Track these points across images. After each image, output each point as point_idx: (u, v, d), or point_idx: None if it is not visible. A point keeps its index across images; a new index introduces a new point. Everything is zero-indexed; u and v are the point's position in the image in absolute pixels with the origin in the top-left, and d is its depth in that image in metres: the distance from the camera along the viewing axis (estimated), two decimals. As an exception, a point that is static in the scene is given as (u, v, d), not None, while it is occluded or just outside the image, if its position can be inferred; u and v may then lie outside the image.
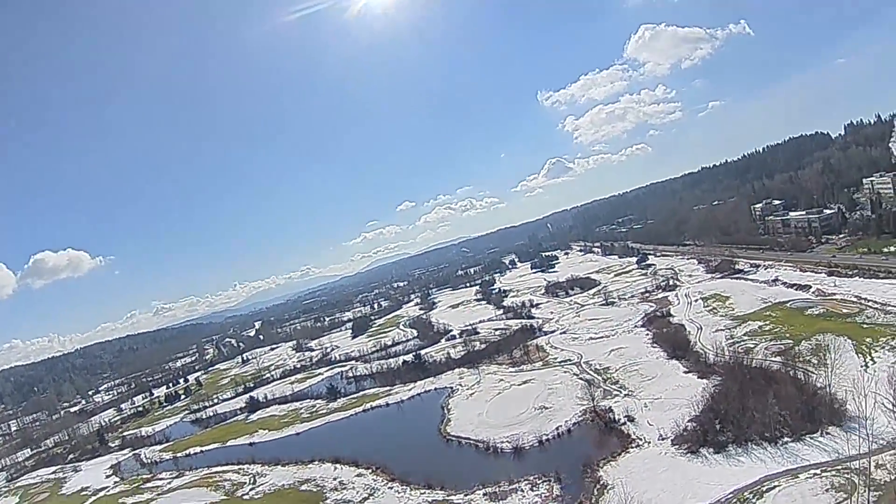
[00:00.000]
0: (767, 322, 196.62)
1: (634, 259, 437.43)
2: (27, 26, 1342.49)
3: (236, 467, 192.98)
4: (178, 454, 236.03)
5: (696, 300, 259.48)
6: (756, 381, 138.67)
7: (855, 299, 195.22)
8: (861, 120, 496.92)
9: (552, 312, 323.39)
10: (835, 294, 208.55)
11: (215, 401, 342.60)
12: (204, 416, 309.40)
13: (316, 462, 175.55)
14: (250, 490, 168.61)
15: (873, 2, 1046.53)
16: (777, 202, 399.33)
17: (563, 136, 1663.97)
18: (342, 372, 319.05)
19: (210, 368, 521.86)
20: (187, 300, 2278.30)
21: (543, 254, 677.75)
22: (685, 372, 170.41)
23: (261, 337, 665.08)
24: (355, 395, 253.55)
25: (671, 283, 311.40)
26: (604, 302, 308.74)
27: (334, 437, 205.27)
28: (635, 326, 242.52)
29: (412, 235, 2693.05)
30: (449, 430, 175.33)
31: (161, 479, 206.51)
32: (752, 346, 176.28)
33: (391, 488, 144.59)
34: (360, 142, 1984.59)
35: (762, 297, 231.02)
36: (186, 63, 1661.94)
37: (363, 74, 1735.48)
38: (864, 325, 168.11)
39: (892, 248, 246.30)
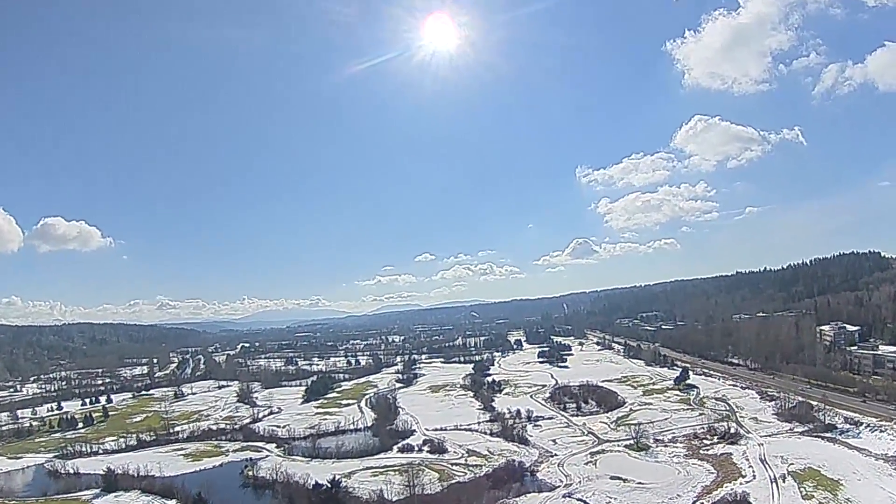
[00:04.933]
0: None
1: (668, 372, 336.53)
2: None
3: None
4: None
5: (782, 477, 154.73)
6: None
7: None
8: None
9: (556, 442, 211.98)
10: None
11: (96, 448, 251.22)
12: (62, 471, 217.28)
13: None
14: None
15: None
16: (851, 328, 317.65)
17: (594, 218, 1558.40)
18: (249, 460, 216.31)
19: (141, 393, 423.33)
20: (193, 302, 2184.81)
21: (555, 339, 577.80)
22: None
23: (222, 366, 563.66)
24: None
25: (730, 427, 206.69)
26: (633, 442, 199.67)
27: None
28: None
29: (427, 288, 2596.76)
30: None
31: None
32: None
33: None
34: (392, 185, 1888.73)
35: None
36: (244, 93, 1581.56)
37: (406, 123, 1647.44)
38: None
39: None
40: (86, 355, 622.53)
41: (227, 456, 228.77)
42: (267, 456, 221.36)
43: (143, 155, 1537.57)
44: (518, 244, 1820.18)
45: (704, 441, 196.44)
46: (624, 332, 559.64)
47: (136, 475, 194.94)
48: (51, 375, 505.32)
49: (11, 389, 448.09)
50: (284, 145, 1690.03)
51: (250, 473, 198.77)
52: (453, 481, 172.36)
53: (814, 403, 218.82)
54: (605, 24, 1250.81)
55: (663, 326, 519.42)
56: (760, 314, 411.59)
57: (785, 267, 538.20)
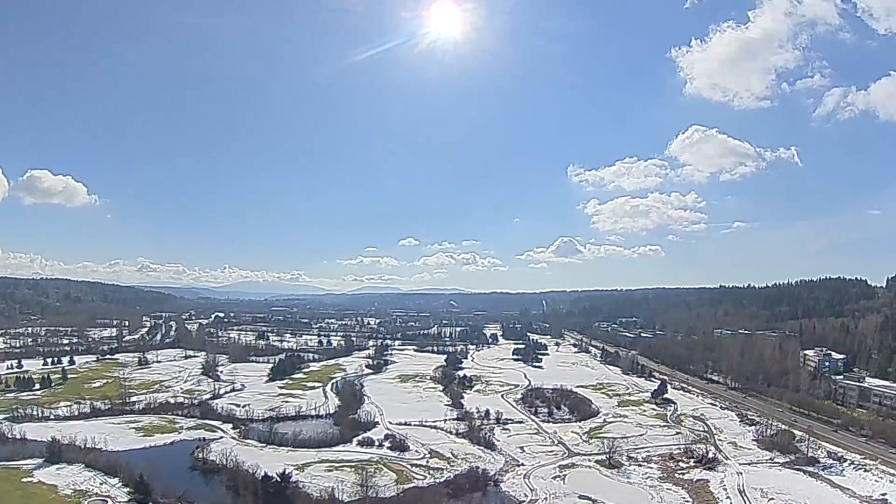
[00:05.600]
0: None
1: (645, 383, 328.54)
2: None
3: None
4: None
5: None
6: None
7: None
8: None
9: (524, 450, 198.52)
10: None
11: (48, 413, 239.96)
12: (9, 435, 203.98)
13: None
14: None
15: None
16: (837, 356, 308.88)
17: (582, 218, 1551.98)
18: (202, 440, 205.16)
19: (106, 357, 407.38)
20: (174, 266, 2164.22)
21: (532, 336, 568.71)
22: None
23: (193, 335, 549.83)
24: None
25: (708, 451, 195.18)
26: (605, 458, 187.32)
27: None
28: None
29: (408, 273, 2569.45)
30: None
31: None
32: None
33: None
34: (382, 167, 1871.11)
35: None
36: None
37: (403, 108, 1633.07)
38: None
39: None
40: (58, 312, 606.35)
41: (179, 433, 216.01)
42: (221, 437, 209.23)
43: (139, 117, 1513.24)
44: (503, 237, 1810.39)
45: (680, 463, 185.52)
46: (602, 335, 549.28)
47: (82, 447, 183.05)
48: (19, 331, 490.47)
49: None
50: (280, 121, 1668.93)
51: (200, 455, 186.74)
52: (411, 485, 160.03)
53: (796, 433, 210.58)
54: (612, 22, 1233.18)
55: (643, 334, 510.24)
56: (743, 331, 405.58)
57: (770, 285, 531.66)
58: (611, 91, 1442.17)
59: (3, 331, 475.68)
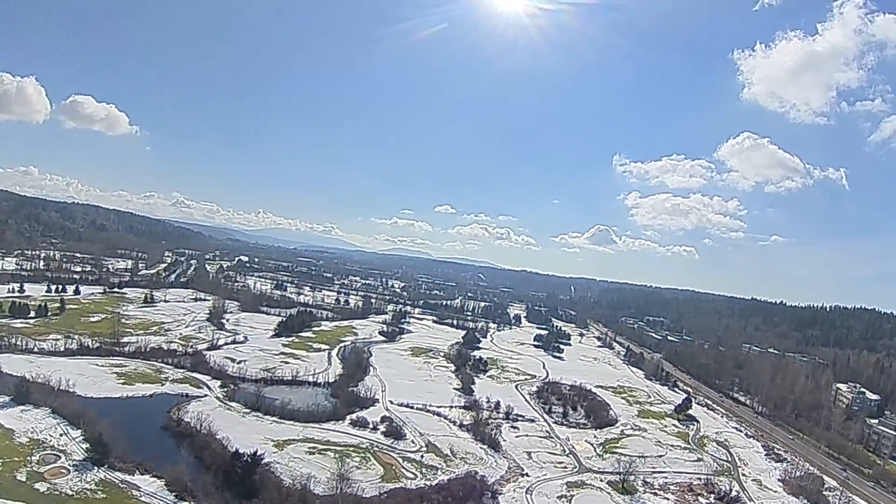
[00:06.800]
0: None
1: (669, 393, 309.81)
2: None
3: None
4: None
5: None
6: None
7: None
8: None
9: (531, 456, 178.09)
10: None
11: (32, 346, 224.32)
12: None
13: None
14: None
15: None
16: (871, 396, 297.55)
17: (621, 209, 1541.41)
18: (184, 396, 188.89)
19: (114, 290, 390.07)
20: (208, 205, 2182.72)
21: (556, 323, 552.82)
22: None
23: (210, 276, 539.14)
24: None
25: (731, 487, 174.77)
26: (619, 478, 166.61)
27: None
28: None
29: (441, 240, 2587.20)
30: None
31: None
32: None
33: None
34: (428, 132, 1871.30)
35: None
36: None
37: (460, 82, 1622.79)
38: None
39: None
40: (80, 238, 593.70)
41: (162, 385, 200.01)
42: (205, 395, 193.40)
43: (189, 54, 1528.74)
44: (539, 216, 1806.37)
45: (700, 498, 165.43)
46: (628, 332, 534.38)
47: (55, 388, 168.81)
48: (36, 253, 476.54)
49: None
50: (334, 78, 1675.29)
51: (176, 416, 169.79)
52: (397, 485, 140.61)
53: (826, 479, 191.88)
54: (678, 16, 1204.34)
55: (669, 337, 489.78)
56: (772, 350, 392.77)
57: (804, 306, 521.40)
58: (667, 85, 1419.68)
59: (20, 251, 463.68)
